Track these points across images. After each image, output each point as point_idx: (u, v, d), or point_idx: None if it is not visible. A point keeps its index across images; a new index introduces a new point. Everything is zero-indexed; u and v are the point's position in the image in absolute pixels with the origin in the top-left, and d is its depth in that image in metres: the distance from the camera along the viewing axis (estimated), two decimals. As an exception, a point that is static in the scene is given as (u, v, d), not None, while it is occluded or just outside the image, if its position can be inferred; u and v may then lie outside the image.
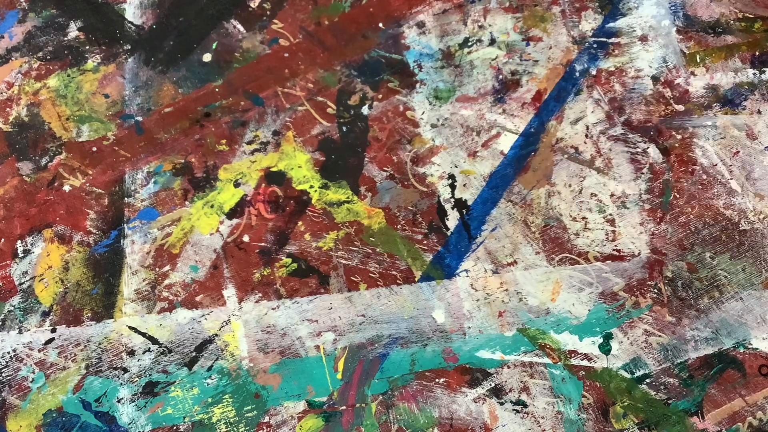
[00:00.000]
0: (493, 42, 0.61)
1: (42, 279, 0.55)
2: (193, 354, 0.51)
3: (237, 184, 0.58)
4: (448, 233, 0.55)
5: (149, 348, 0.52)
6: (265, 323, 0.52)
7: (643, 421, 0.48)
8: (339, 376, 0.50)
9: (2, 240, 0.57)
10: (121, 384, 0.51)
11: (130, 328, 0.53)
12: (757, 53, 0.61)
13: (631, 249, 0.54)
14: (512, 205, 0.55)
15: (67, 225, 0.57)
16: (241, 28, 0.66)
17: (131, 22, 0.67)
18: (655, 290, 0.52)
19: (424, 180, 0.57)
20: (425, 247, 0.54)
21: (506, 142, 0.57)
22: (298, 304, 0.53)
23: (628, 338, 0.51)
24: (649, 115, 0.58)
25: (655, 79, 0.60)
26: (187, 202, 0.58)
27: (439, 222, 0.55)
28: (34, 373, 0.51)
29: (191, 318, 0.53)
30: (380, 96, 0.61)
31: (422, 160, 0.58)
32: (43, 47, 0.66)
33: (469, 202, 0.56)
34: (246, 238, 0.56)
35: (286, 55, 0.64)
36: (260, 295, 0.53)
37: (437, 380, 0.50)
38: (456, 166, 0.57)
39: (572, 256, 0.54)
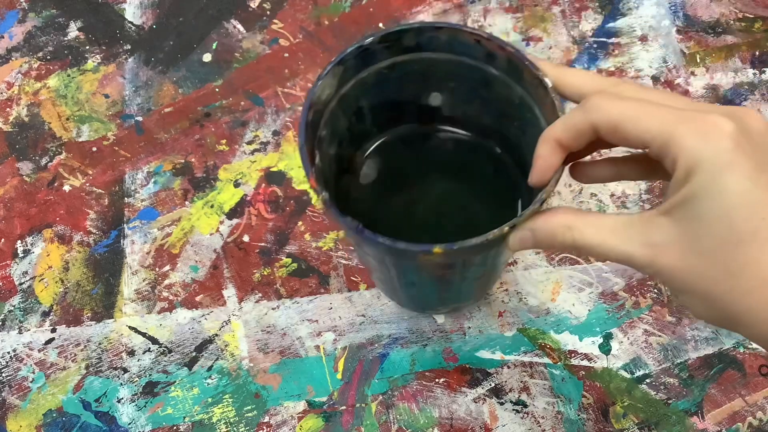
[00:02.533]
0: (493, 42, 0.61)
1: (42, 279, 0.55)
2: (193, 354, 0.51)
3: (237, 184, 0.58)
4: (448, 233, 0.55)
5: (149, 348, 0.52)
6: (265, 323, 0.52)
7: (643, 421, 0.48)
8: (339, 376, 0.50)
9: (2, 240, 0.57)
10: (121, 384, 0.51)
11: (130, 328, 0.53)
12: (757, 53, 0.61)
13: (631, 249, 0.54)
14: (512, 205, 0.55)
15: (67, 225, 0.57)
16: (241, 28, 0.66)
17: (131, 22, 0.67)
18: (655, 290, 0.52)
19: (424, 180, 0.57)
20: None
21: (506, 142, 0.57)
22: (298, 304, 0.53)
23: (628, 338, 0.51)
24: (649, 115, 0.58)
25: (655, 79, 0.60)
26: (187, 202, 0.58)
27: (439, 222, 0.55)
28: (34, 373, 0.51)
29: (191, 318, 0.53)
30: (380, 96, 0.61)
31: (422, 160, 0.58)
32: (43, 47, 0.66)
33: (469, 203, 0.56)
34: (246, 238, 0.56)
35: (286, 55, 0.64)
36: (260, 295, 0.53)
37: (437, 380, 0.50)
38: (456, 166, 0.57)
39: (572, 256, 0.54)
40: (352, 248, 0.55)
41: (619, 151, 0.37)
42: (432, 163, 0.44)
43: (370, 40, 0.36)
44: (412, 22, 0.36)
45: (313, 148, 0.35)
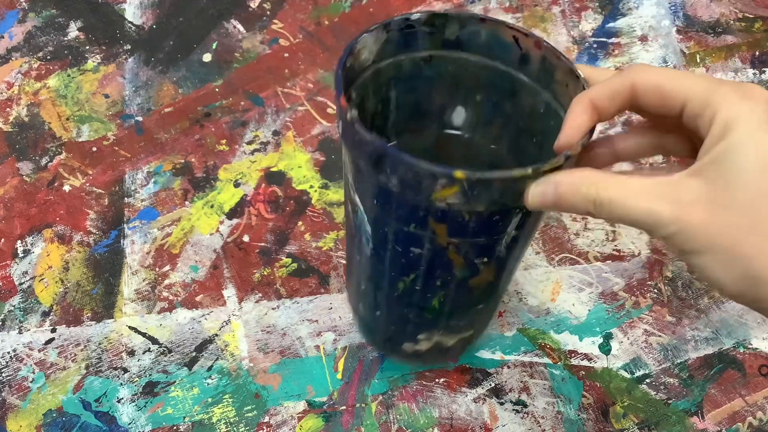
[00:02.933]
0: (493, 42, 0.61)
1: (42, 279, 0.55)
2: (193, 354, 0.51)
3: (237, 184, 0.58)
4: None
5: (149, 348, 0.52)
6: (265, 323, 0.52)
7: (643, 421, 0.48)
8: (339, 376, 0.50)
9: (2, 240, 0.57)
10: (121, 384, 0.51)
11: (130, 328, 0.53)
12: (757, 53, 0.61)
13: (631, 249, 0.54)
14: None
15: (67, 225, 0.57)
16: (241, 28, 0.66)
17: (131, 22, 0.67)
18: (655, 290, 0.52)
19: (424, 180, 0.57)
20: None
21: (506, 142, 0.57)
22: (298, 304, 0.53)
23: (628, 338, 0.51)
24: (649, 115, 0.58)
25: (655, 79, 0.60)
26: (187, 202, 0.58)
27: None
28: (34, 373, 0.51)
29: (191, 318, 0.53)
30: (380, 96, 0.61)
31: (422, 160, 0.58)
32: (43, 47, 0.66)
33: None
34: (246, 238, 0.56)
35: (286, 55, 0.64)
36: (260, 295, 0.53)
37: (437, 380, 0.50)
38: (456, 166, 0.57)
39: (572, 256, 0.54)
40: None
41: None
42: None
43: (417, 15, 0.36)
44: (458, 11, 0.36)
45: (346, 81, 0.35)
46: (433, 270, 0.37)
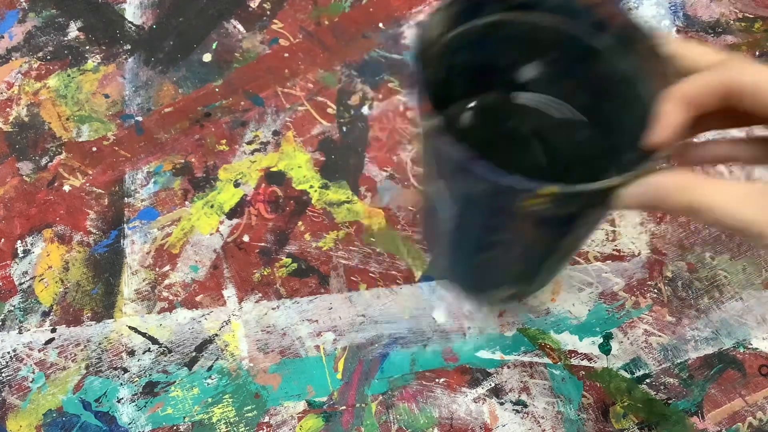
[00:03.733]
0: (493, 42, 0.61)
1: (42, 279, 0.55)
2: (193, 354, 0.51)
3: (237, 184, 0.58)
4: (448, 233, 0.55)
5: (149, 348, 0.52)
6: (265, 323, 0.52)
7: (643, 421, 0.48)
8: (339, 376, 0.50)
9: (2, 240, 0.57)
10: (121, 384, 0.51)
11: (130, 328, 0.53)
12: (757, 53, 0.61)
13: (631, 249, 0.54)
14: (512, 205, 0.55)
15: (67, 225, 0.57)
16: (241, 28, 0.66)
17: (131, 22, 0.67)
18: (655, 290, 0.52)
19: (424, 180, 0.57)
20: (426, 248, 0.54)
21: (506, 142, 0.57)
22: (298, 304, 0.53)
23: (628, 338, 0.51)
24: (649, 115, 0.57)
25: (655, 79, 0.60)
26: (187, 202, 0.58)
27: (439, 222, 0.55)
28: (34, 373, 0.51)
29: (191, 318, 0.53)
30: (380, 96, 0.61)
31: (422, 160, 0.58)
32: (43, 47, 0.66)
33: (469, 202, 0.56)
34: (246, 238, 0.56)
35: (286, 55, 0.64)
36: (260, 295, 0.53)
37: (437, 380, 0.50)
38: (456, 166, 0.57)
39: (572, 256, 0.54)
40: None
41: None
42: (513, 138, 0.42)
43: None
44: None
45: (424, 78, 0.33)
46: (516, 249, 0.38)
